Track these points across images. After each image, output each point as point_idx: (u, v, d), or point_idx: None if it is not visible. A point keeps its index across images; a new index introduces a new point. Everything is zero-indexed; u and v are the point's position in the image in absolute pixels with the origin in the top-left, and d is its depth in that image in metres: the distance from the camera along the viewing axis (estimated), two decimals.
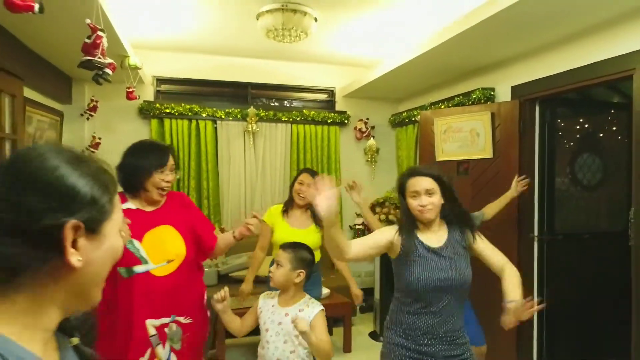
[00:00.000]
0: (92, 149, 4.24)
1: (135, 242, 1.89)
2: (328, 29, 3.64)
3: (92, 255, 0.63)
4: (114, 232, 0.67)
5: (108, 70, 2.27)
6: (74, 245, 0.60)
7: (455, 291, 1.80)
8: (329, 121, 4.91)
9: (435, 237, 1.86)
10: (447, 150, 3.69)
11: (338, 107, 5.05)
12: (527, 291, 3.33)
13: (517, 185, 2.98)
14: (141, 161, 1.92)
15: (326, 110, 4.98)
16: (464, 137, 3.58)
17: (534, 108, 3.35)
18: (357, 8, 3.21)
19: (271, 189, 4.69)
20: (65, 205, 0.60)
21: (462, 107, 3.73)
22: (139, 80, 3.92)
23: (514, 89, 3.42)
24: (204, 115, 4.51)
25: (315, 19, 3.33)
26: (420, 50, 3.42)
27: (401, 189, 1.90)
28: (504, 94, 3.53)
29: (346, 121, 5.00)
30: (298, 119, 4.80)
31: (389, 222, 4.54)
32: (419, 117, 4.30)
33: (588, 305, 3.34)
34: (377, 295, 4.23)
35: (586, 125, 3.81)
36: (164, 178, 1.95)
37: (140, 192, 1.96)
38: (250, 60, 4.63)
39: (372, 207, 4.65)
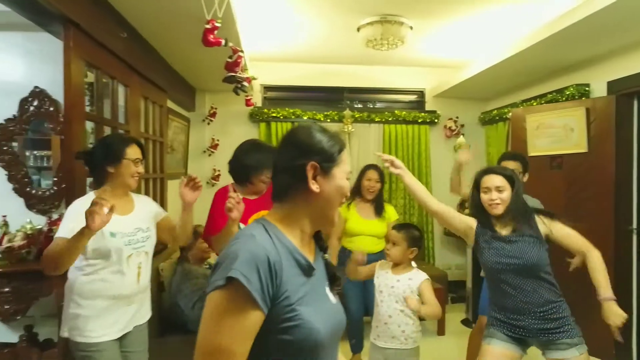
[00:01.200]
0: (211, 149, 4.92)
1: (241, 225, 2.20)
2: (421, 35, 3.94)
3: (325, 187, 1.01)
4: (341, 176, 1.04)
5: (245, 84, 2.79)
6: (314, 178, 1.01)
7: (526, 272, 2.00)
8: (419, 121, 5.18)
9: (504, 226, 2.10)
10: (539, 145, 3.82)
11: (428, 107, 5.30)
12: (625, 286, 3.42)
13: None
14: (252, 160, 2.24)
15: (416, 110, 5.26)
16: (557, 132, 3.69)
17: (631, 102, 3.39)
18: (450, 14, 3.47)
19: None
20: (308, 153, 1.01)
21: (555, 104, 3.83)
22: (249, 88, 4.51)
23: (610, 84, 3.47)
24: (305, 118, 5.01)
25: (411, 27, 3.66)
26: (513, 51, 3.60)
27: (476, 184, 2.17)
28: (599, 90, 3.59)
29: (436, 120, 5.24)
30: (390, 119, 5.13)
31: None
32: (509, 114, 4.44)
33: None
34: (469, 285, 4.43)
35: None
36: (268, 175, 2.29)
37: (247, 184, 2.31)
38: (346, 67, 5.05)
39: (462, 202, 4.86)
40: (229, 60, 2.76)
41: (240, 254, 0.88)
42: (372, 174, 3.31)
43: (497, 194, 2.06)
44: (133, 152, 1.98)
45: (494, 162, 4.92)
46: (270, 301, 0.89)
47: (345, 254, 3.11)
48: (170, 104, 4.14)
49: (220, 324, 0.86)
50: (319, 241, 1.11)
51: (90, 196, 1.90)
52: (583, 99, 3.65)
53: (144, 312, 2.08)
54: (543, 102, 4.07)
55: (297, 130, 1.06)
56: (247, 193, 2.35)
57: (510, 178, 2.10)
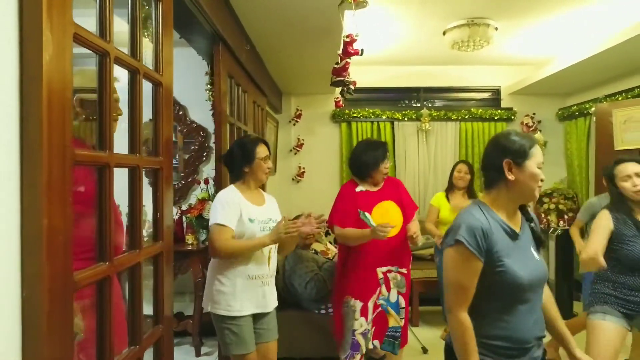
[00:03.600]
0: (297, 149, 5.31)
1: (367, 214, 2.54)
2: (505, 35, 4.09)
3: (519, 176, 1.40)
4: (533, 166, 1.40)
5: (352, 86, 3.10)
6: (510, 170, 1.40)
7: None
8: (495, 118, 5.30)
9: None
10: (628, 139, 3.87)
11: (504, 104, 5.42)
12: None
13: None
14: (370, 158, 2.62)
15: (492, 107, 5.39)
16: None
17: None
18: (533, 15, 3.62)
19: (442, 181, 5.25)
20: (506, 153, 1.41)
21: None
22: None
23: None
24: (383, 117, 5.29)
25: (496, 28, 3.83)
26: (599, 49, 3.68)
27: (610, 177, 2.27)
28: None
29: (512, 117, 5.34)
30: (466, 117, 5.30)
31: (558, 212, 4.80)
32: (591, 109, 4.49)
33: None
34: (552, 276, 4.53)
35: None
36: (385, 166, 2.66)
37: (367, 178, 2.67)
38: (422, 67, 5.27)
39: (540, 198, 4.95)
40: (336, 66, 3.07)
41: (463, 224, 1.38)
42: (462, 167, 3.63)
43: (639, 179, 2.15)
44: (262, 150, 2.24)
45: (574, 158, 4.98)
46: (485, 254, 1.36)
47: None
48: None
49: (455, 268, 1.38)
50: (526, 214, 1.51)
51: (231, 188, 2.21)
52: None
53: (274, 298, 2.29)
54: (630, 96, 4.10)
55: (497, 136, 1.49)
56: (368, 185, 2.68)
57: None
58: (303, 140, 5.31)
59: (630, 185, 2.17)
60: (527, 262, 1.42)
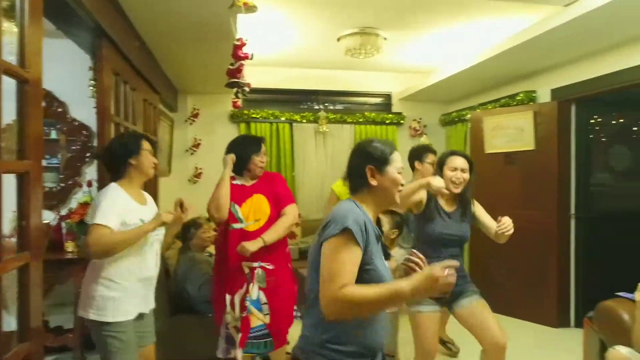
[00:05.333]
0: (193, 149, 5.16)
1: (236, 206, 2.60)
2: (393, 44, 4.38)
3: (380, 181, 1.49)
4: (393, 171, 1.50)
5: (246, 88, 3.11)
6: (373, 176, 1.48)
7: (457, 244, 2.45)
8: (386, 122, 5.65)
9: (449, 204, 2.48)
10: (495, 144, 4.37)
11: (394, 109, 5.79)
12: (565, 260, 4.03)
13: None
14: (243, 150, 2.66)
15: (384, 112, 5.73)
16: (510, 133, 4.26)
17: (570, 107, 4.00)
18: (420, 27, 3.92)
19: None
20: (369, 159, 1.49)
21: (508, 108, 4.41)
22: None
23: (554, 92, 4.08)
24: (282, 119, 5.35)
25: (385, 38, 4.10)
26: (475, 61, 4.12)
27: (441, 163, 2.51)
28: (544, 96, 4.18)
29: (402, 121, 5.73)
30: (360, 120, 5.57)
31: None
32: (468, 116, 4.99)
33: (623, 277, 3.95)
34: None
35: (621, 120, 4.43)
36: (261, 159, 2.70)
37: (243, 172, 2.69)
38: (321, 71, 5.43)
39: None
40: (231, 67, 3.06)
41: (349, 215, 1.39)
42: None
43: (461, 173, 2.40)
44: (147, 144, 2.16)
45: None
46: (364, 247, 1.38)
47: None
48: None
49: (340, 256, 1.34)
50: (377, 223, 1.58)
51: (114, 186, 2.06)
52: (531, 103, 4.25)
53: (153, 299, 2.23)
54: (497, 106, 4.64)
55: (360, 144, 1.58)
56: (244, 179, 2.72)
57: (471, 163, 2.47)
58: (200, 140, 5.17)
59: (452, 175, 2.41)
60: (383, 264, 1.49)
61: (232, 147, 2.72)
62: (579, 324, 3.68)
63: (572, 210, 3.98)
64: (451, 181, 2.40)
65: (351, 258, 1.34)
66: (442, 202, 2.47)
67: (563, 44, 3.45)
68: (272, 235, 2.56)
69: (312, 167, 5.46)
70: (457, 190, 2.42)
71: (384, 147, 1.52)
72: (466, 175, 2.42)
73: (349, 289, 1.29)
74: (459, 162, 2.43)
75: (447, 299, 2.40)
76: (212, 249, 3.50)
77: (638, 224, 3.96)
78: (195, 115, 5.14)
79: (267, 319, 2.58)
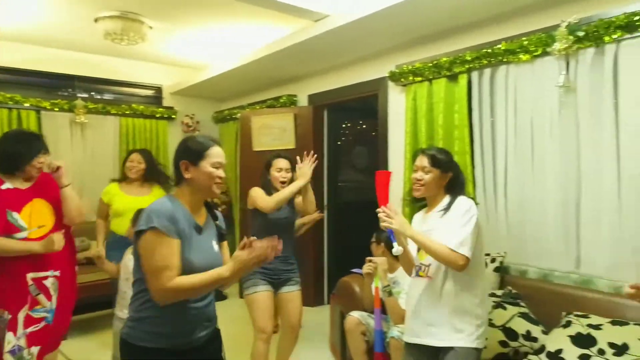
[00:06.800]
0: None
1: (14, 214, 2.26)
2: (161, 35, 4.20)
3: (195, 174, 1.56)
4: (207, 166, 1.55)
5: None
6: (187, 169, 1.56)
7: (288, 226, 2.79)
8: (157, 115, 5.39)
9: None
10: (262, 142, 4.65)
11: (166, 103, 5.57)
12: (320, 247, 4.56)
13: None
14: (23, 148, 2.32)
15: (154, 105, 5.45)
16: (275, 132, 4.60)
17: (323, 112, 4.57)
18: (188, 21, 3.86)
19: (103, 176, 4.91)
20: (185, 154, 1.57)
21: (273, 109, 4.75)
22: None
23: (310, 97, 4.58)
24: (26, 105, 4.53)
25: (151, 27, 3.89)
26: (243, 62, 4.30)
27: (267, 165, 2.78)
28: (303, 100, 4.66)
29: (174, 116, 5.55)
30: (127, 112, 5.16)
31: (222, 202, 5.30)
32: (239, 115, 5.18)
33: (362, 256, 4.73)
34: None
35: (364, 126, 5.27)
36: (40, 160, 2.36)
37: (16, 173, 2.33)
38: (76, 54, 4.81)
39: None
40: None
41: (152, 212, 1.47)
42: (135, 157, 3.43)
43: (286, 173, 2.75)
44: None
45: (230, 156, 5.62)
46: (178, 234, 1.47)
47: None
48: None
49: (158, 253, 1.44)
50: (211, 212, 1.70)
51: None
52: (292, 106, 4.67)
53: None
54: (264, 106, 4.95)
55: (184, 139, 1.65)
56: (17, 182, 2.34)
57: (291, 161, 2.78)
58: None
59: (279, 176, 2.75)
60: (206, 253, 1.58)
61: (7, 144, 2.35)
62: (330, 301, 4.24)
63: (325, 202, 4.56)
64: (279, 181, 2.74)
65: (170, 251, 1.45)
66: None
67: (315, 55, 3.90)
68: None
69: (68, 161, 4.76)
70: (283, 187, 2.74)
71: (201, 142, 1.59)
72: (290, 174, 2.77)
73: (176, 281, 1.43)
74: (283, 163, 2.77)
75: (277, 283, 2.72)
76: None
77: (372, 210, 4.79)
78: None
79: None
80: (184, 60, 5.15)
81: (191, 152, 1.58)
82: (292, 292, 2.77)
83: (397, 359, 2.39)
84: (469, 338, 1.84)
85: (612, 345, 1.94)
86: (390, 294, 2.54)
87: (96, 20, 3.70)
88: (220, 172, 1.59)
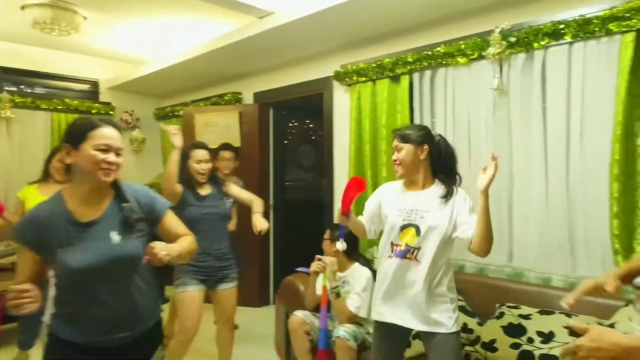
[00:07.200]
0: None
1: None
2: (97, 25, 3.98)
3: (76, 159, 1.42)
4: (89, 148, 1.40)
5: None
6: (68, 154, 1.42)
7: (219, 222, 2.69)
8: (93, 111, 5.10)
9: (203, 189, 2.68)
10: (206, 140, 4.49)
11: (103, 99, 5.29)
12: (266, 247, 4.51)
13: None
14: None
15: (90, 100, 5.16)
16: (220, 130, 4.50)
17: (269, 110, 4.52)
18: (125, 13, 3.68)
19: (32, 176, 4.61)
20: (64, 138, 1.45)
21: (217, 106, 4.64)
22: None
23: (256, 95, 4.52)
24: None
25: (85, 18, 3.68)
26: (184, 57, 4.17)
27: (185, 156, 2.64)
28: (248, 98, 4.59)
29: (111, 112, 5.28)
30: (60, 107, 4.85)
31: None
32: (182, 112, 5.02)
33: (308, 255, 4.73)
34: None
35: (311, 125, 5.27)
36: None
37: None
38: (4, 43, 4.46)
39: None
40: None
41: (23, 217, 1.46)
42: (60, 155, 3.19)
43: (206, 164, 2.65)
44: None
45: (169, 154, 5.43)
46: (37, 245, 1.40)
47: None
48: None
49: (19, 258, 1.48)
50: (122, 195, 1.50)
51: None
52: (237, 104, 4.59)
53: None
54: (209, 104, 4.83)
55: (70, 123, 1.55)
56: None
57: (210, 150, 2.75)
58: None
59: (198, 167, 2.65)
60: (93, 251, 1.40)
61: None
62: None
63: (271, 201, 4.52)
64: (198, 173, 2.64)
65: (22, 260, 1.44)
66: (197, 189, 2.67)
67: (260, 52, 3.85)
68: None
69: None
70: (204, 180, 2.68)
71: (85, 122, 1.45)
72: (210, 165, 2.69)
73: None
74: (201, 154, 2.67)
75: (212, 281, 2.64)
76: None
77: (318, 209, 4.81)
78: None
79: None
80: (123, 54, 4.92)
81: (72, 134, 1.43)
82: (228, 290, 2.71)
83: (342, 358, 2.40)
84: (449, 322, 1.84)
85: (540, 333, 2.06)
86: (338, 295, 2.54)
87: (23, 7, 3.45)
88: (110, 157, 1.41)
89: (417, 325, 1.88)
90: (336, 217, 1.95)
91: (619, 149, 2.18)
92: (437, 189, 1.91)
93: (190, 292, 2.55)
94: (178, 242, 1.58)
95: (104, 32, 4.20)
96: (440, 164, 1.94)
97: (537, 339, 2.05)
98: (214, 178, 2.77)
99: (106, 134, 1.43)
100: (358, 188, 1.97)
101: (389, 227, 1.94)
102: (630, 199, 2.22)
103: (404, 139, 1.91)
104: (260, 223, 2.61)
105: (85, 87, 5.27)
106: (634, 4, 2.11)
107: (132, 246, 1.47)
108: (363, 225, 2.08)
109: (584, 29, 2.29)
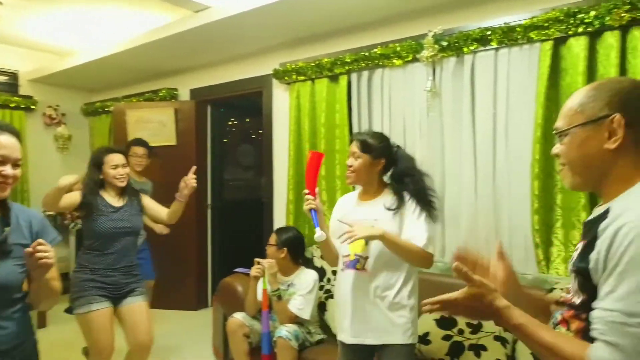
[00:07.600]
0: None
1: None
2: (16, 11, 3.67)
3: None
4: None
5: None
6: None
7: (129, 235, 2.47)
8: (11, 105, 4.72)
9: (116, 199, 2.47)
10: (140, 137, 4.32)
11: (23, 91, 4.90)
12: (204, 247, 4.40)
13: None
14: None
15: (9, 93, 4.76)
16: (154, 127, 4.31)
17: (206, 107, 4.41)
18: (49, 1, 3.44)
19: None
20: None
21: (151, 102, 4.45)
22: None
23: (192, 92, 4.38)
24: None
25: (1, 3, 3.38)
26: (115, 50, 3.94)
27: (98, 163, 2.44)
28: (184, 95, 4.45)
29: (33, 107, 4.91)
30: None
31: None
32: (112, 108, 4.76)
33: (246, 255, 4.66)
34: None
35: (251, 123, 5.19)
36: None
37: None
38: None
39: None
40: None
41: None
42: None
43: (123, 169, 2.45)
44: None
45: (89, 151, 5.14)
46: None
47: None
48: None
49: None
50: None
51: None
52: (173, 100, 4.43)
53: None
54: (142, 99, 4.62)
55: None
56: None
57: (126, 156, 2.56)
58: None
59: (115, 173, 2.42)
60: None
61: None
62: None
63: (209, 201, 4.41)
64: (115, 178, 2.42)
65: None
66: (108, 198, 2.45)
67: (196, 47, 3.74)
68: None
69: None
70: (124, 184, 2.47)
71: None
72: (127, 169, 2.49)
73: None
74: (117, 158, 2.45)
75: (118, 297, 2.40)
76: None
77: (258, 208, 4.76)
78: None
79: None
80: (47, 44, 4.58)
81: None
82: (136, 303, 2.43)
83: (283, 358, 2.38)
84: (405, 334, 1.79)
85: (469, 324, 2.16)
86: (280, 297, 2.52)
87: None
88: (6, 169, 1.25)
89: (371, 340, 1.82)
90: (305, 205, 1.83)
91: (539, 150, 2.33)
92: (388, 198, 1.85)
93: (97, 311, 2.29)
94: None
95: (24, 20, 3.89)
96: (394, 175, 1.89)
97: (467, 330, 2.15)
98: (129, 189, 2.55)
99: (1, 143, 1.25)
100: (317, 161, 1.92)
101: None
102: (549, 196, 2.38)
103: (365, 148, 1.83)
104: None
105: (2, 78, 4.84)
106: (551, 15, 2.26)
107: (6, 272, 1.29)
108: (336, 251, 1.94)
109: (508, 36, 2.43)
